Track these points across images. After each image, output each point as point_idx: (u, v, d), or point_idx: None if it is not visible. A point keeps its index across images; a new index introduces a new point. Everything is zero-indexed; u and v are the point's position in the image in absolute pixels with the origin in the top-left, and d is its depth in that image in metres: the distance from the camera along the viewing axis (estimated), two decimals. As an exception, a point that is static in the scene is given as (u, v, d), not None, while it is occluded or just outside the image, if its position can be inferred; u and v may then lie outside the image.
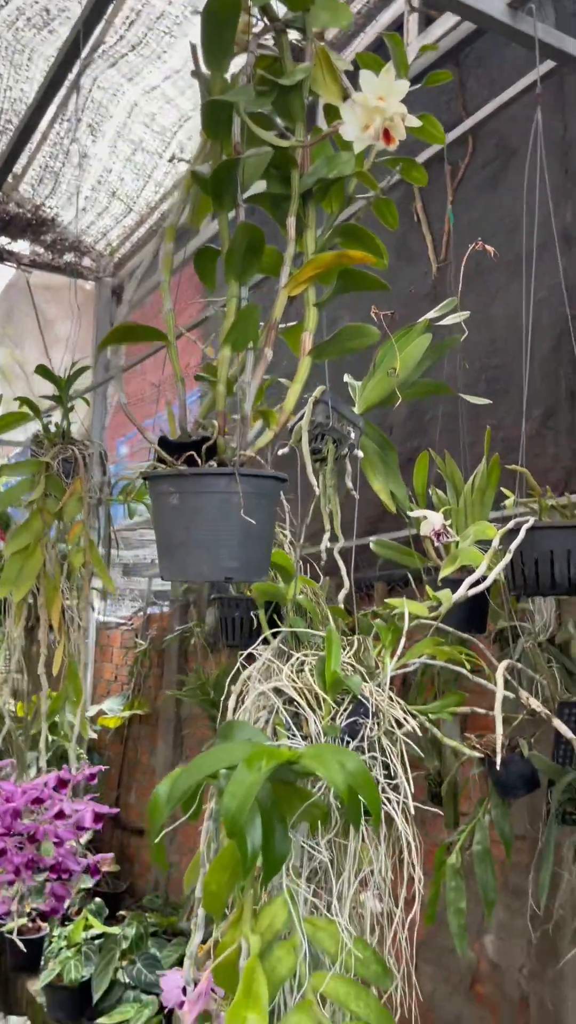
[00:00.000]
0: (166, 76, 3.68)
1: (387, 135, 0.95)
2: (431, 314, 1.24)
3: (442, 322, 1.23)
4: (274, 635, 1.11)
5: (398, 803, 0.85)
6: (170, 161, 4.21)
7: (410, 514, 1.63)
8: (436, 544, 1.66)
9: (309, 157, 1.04)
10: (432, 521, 1.55)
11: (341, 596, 1.25)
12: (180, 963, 3.10)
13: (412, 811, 0.84)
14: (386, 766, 0.86)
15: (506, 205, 2.66)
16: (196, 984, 0.89)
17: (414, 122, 0.95)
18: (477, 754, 1.19)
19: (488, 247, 1.34)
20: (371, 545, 1.87)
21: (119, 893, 4.00)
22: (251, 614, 2.34)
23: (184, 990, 0.89)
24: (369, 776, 0.70)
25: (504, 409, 2.54)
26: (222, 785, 0.72)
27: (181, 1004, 0.91)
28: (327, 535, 1.16)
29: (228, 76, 0.97)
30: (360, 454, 1.16)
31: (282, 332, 1.07)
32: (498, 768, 1.27)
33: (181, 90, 3.74)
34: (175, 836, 4.19)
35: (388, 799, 0.84)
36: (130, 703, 4.30)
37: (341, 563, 1.24)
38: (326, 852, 0.85)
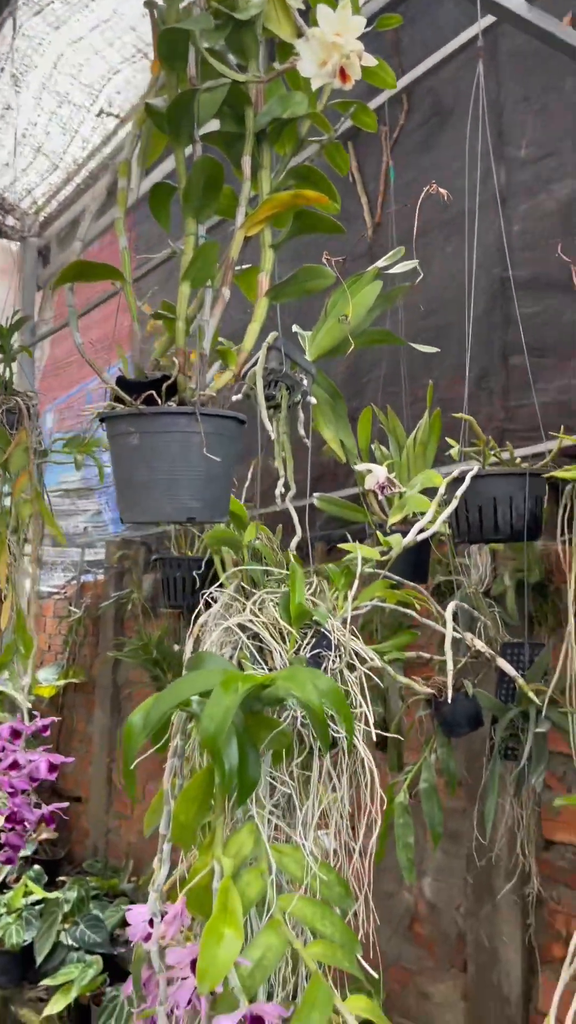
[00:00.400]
0: (93, 26, 3.56)
1: (343, 74, 0.95)
2: (380, 262, 1.25)
3: (391, 271, 1.24)
4: (228, 581, 1.12)
5: (359, 732, 0.87)
6: (98, 115, 4.08)
7: (354, 467, 1.65)
8: (380, 497, 1.69)
9: (263, 96, 1.03)
10: (376, 475, 1.58)
11: (293, 543, 1.26)
12: (124, 923, 3.12)
13: (374, 738, 0.87)
14: (347, 694, 0.88)
15: (442, 166, 2.68)
16: (163, 915, 0.90)
17: (370, 60, 0.95)
18: (429, 690, 1.23)
19: (442, 190, 1.35)
20: (315, 501, 1.89)
21: (57, 860, 3.98)
22: (193, 573, 2.34)
23: (151, 922, 0.90)
24: (341, 694, 0.72)
25: (440, 371, 2.58)
26: (196, 711, 0.73)
27: (147, 937, 0.92)
28: (281, 481, 1.17)
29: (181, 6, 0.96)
30: (313, 400, 1.17)
31: (236, 275, 1.07)
32: (446, 706, 1.32)
33: (109, 41, 3.62)
34: (111, 804, 4.19)
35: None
36: (65, 672, 4.25)
37: (293, 512, 1.25)
38: (291, 782, 0.87)
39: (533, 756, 1.26)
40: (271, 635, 0.86)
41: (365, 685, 0.91)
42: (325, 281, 1.00)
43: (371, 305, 1.18)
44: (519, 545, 1.92)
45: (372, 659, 0.91)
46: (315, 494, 1.96)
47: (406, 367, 2.58)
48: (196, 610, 1.12)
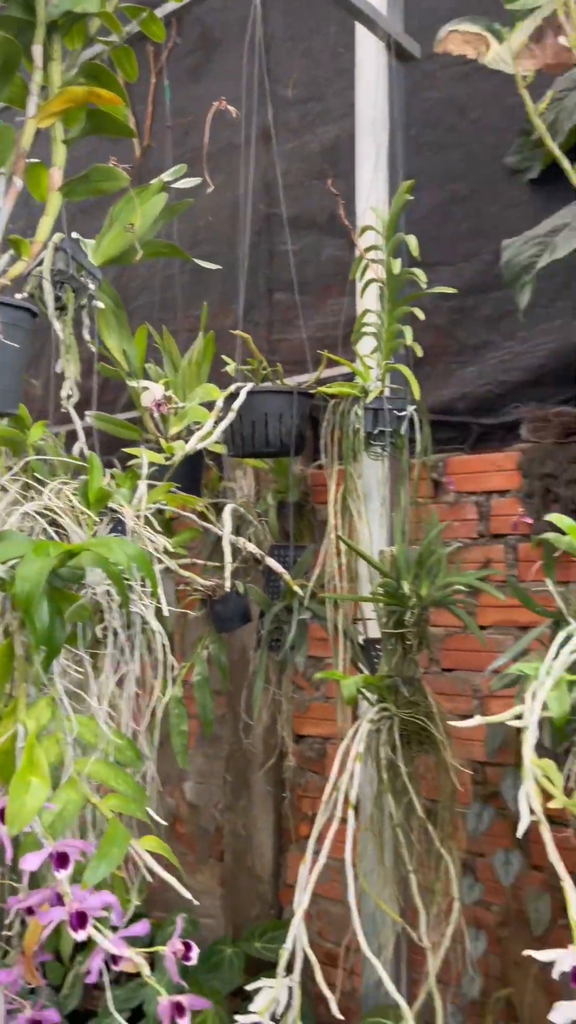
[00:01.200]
0: None
1: (139, -24, 0.98)
2: (165, 176, 1.28)
3: (174, 186, 1.28)
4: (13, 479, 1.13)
5: (152, 608, 0.95)
6: None
7: (130, 384, 1.69)
8: (155, 415, 1.74)
9: (54, -15, 1.02)
10: (153, 392, 1.63)
11: (76, 448, 1.29)
12: None
13: (166, 613, 0.95)
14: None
15: (210, 96, 2.70)
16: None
17: (167, -31, 0.98)
18: (210, 583, 1.33)
19: (231, 108, 1.40)
20: (88, 419, 1.90)
21: None
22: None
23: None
24: (147, 558, 0.79)
25: (208, 301, 2.65)
26: (3, 577, 0.76)
27: None
28: (67, 383, 1.19)
29: None
30: (100, 304, 1.19)
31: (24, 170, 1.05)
32: (219, 604, 1.43)
33: None
34: None
35: (145, 605, 0.94)
36: None
37: (76, 418, 1.28)
38: (86, 657, 0.93)
39: (296, 641, 1.41)
40: (69, 519, 0.90)
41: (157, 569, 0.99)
42: (118, 183, 1.03)
43: (156, 216, 1.22)
44: (280, 468, 2.07)
45: (166, 545, 0.98)
46: (88, 412, 1.97)
47: (175, 295, 2.62)
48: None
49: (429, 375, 2.16)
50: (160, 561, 0.99)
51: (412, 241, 1.34)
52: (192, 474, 1.75)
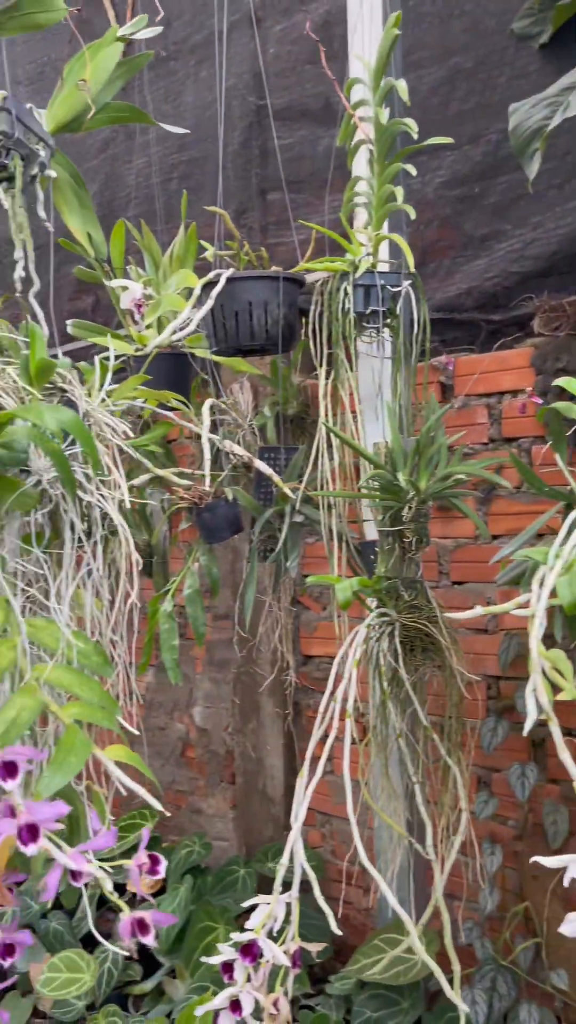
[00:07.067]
0: None
1: None
2: (124, 29, 1.14)
3: (135, 37, 1.14)
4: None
5: (113, 499, 0.85)
6: None
7: (108, 284, 1.56)
8: (136, 317, 1.62)
9: None
10: (132, 292, 1.50)
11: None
12: None
13: (128, 505, 0.85)
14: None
15: (193, -19, 2.50)
16: None
17: None
18: (187, 482, 1.23)
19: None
20: (68, 328, 1.79)
21: None
22: None
23: None
24: (82, 423, 0.68)
25: (197, 209, 2.50)
26: None
27: None
28: (19, 265, 1.07)
29: None
30: (53, 174, 1.06)
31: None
32: (207, 513, 1.33)
33: None
34: None
35: (103, 496, 0.84)
36: None
37: (36, 306, 1.16)
38: (42, 555, 0.84)
39: (288, 545, 1.32)
40: (12, 400, 0.80)
41: (118, 457, 0.88)
42: (56, 15, 0.89)
43: (112, 70, 1.08)
44: (276, 377, 1.95)
45: (124, 431, 0.88)
46: (69, 321, 1.85)
47: (161, 205, 2.47)
48: None
49: (434, 272, 2.02)
50: (121, 451, 0.88)
51: (402, 86, 1.18)
52: (175, 375, 1.64)
